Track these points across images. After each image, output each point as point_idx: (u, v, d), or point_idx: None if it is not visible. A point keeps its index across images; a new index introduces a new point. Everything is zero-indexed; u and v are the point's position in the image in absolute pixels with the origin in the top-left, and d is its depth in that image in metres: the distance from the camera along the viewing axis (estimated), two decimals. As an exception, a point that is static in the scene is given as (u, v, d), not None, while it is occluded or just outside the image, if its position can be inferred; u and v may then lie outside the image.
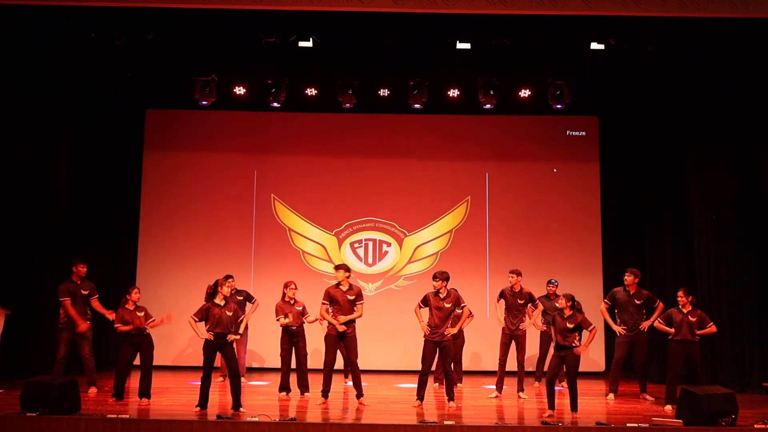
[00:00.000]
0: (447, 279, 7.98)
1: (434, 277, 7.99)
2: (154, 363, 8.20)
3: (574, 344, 7.50)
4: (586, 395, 8.81)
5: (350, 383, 8.81)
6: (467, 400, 8.47)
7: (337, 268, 8.18)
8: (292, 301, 8.63)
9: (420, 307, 8.04)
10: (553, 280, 9.64)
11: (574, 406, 7.47)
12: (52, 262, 9.62)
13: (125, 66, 9.42)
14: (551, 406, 7.53)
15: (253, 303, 9.60)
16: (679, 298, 8.14)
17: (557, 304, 7.82)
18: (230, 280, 8.89)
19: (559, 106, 9.94)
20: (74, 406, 7.02)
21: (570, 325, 7.49)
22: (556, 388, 7.98)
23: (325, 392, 7.98)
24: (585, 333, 7.61)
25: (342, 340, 8.04)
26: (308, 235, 11.56)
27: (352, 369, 8.08)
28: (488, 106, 9.93)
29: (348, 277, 8.13)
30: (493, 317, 10.53)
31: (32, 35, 8.83)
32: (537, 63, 9.33)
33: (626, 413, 7.77)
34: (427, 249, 11.55)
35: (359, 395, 8.03)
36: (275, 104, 10.11)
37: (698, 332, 8.04)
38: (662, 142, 10.63)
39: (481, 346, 10.61)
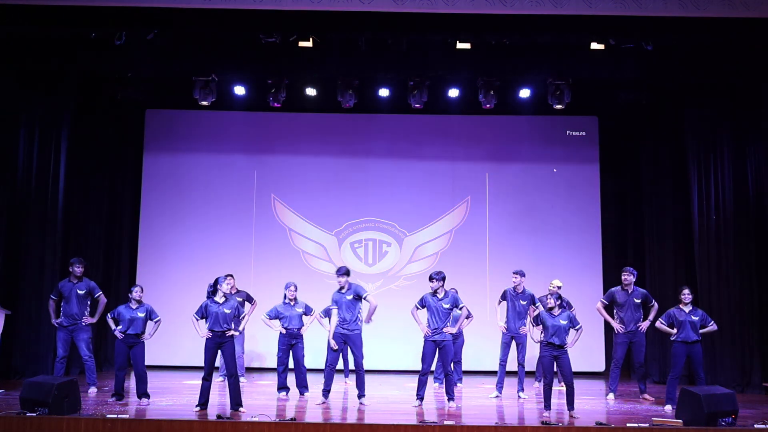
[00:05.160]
0: (443, 279, 7.95)
1: (431, 278, 7.96)
2: (155, 363, 8.19)
3: (565, 343, 7.46)
4: (586, 395, 8.82)
5: (350, 382, 8.80)
6: (467, 400, 8.46)
7: (344, 273, 8.11)
8: (292, 303, 8.63)
9: (417, 308, 8.02)
10: (557, 282, 9.52)
11: (570, 405, 7.42)
12: (52, 262, 9.62)
13: (125, 66, 9.42)
14: (547, 406, 7.52)
15: (252, 304, 9.56)
16: (683, 296, 8.07)
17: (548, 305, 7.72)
18: (230, 278, 8.89)
19: (559, 106, 9.93)
20: (74, 406, 7.01)
21: (563, 322, 7.46)
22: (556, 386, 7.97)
23: (326, 392, 7.97)
24: (572, 331, 7.58)
25: (347, 341, 8.05)
26: (308, 235, 11.56)
27: (357, 370, 8.06)
28: (488, 106, 9.93)
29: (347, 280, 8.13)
30: (493, 318, 10.53)
31: (33, 35, 8.84)
32: (537, 63, 9.32)
33: (626, 413, 7.76)
34: (427, 249, 11.55)
35: (360, 395, 8.02)
36: (275, 104, 10.11)
37: (701, 331, 8.02)
38: (662, 143, 10.62)
39: (481, 346, 10.61)
